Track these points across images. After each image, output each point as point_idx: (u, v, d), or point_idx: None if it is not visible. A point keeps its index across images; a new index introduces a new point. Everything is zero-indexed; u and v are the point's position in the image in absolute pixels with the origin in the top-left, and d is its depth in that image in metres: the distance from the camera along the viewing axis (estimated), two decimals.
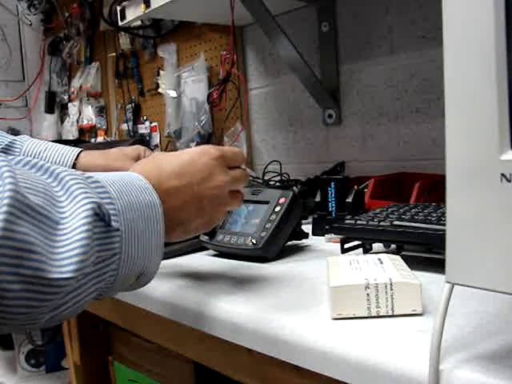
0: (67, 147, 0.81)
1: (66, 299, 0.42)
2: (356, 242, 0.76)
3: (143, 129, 1.99)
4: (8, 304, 0.38)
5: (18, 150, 0.79)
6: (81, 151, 0.81)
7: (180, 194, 0.56)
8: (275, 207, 0.81)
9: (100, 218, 0.45)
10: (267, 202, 0.83)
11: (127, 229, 0.48)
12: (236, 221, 0.85)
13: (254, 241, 0.79)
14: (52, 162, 0.78)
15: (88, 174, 0.48)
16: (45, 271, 0.39)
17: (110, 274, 0.47)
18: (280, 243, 0.81)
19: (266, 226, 0.80)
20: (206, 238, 0.84)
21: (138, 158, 0.81)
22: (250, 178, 1.36)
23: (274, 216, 0.80)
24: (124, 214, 0.48)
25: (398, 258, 0.60)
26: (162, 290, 0.71)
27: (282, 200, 0.82)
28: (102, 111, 2.25)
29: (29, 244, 0.39)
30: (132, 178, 0.52)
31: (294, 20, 1.40)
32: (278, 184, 1.29)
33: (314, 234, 0.94)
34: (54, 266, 0.40)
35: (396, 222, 0.69)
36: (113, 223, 0.46)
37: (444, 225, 0.37)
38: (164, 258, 0.54)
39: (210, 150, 0.60)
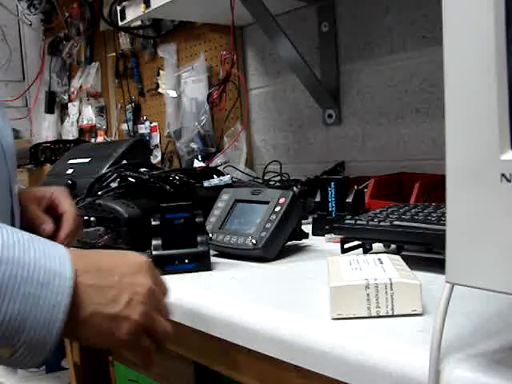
0: None
1: None
2: (356, 242, 0.76)
3: (143, 129, 1.99)
4: None
5: None
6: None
7: (98, 277, 0.48)
8: (275, 207, 0.81)
9: None
10: (267, 202, 0.83)
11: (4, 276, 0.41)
12: (235, 221, 0.85)
13: (254, 241, 0.78)
14: None
15: None
16: None
17: None
18: (280, 243, 0.80)
19: (266, 225, 0.80)
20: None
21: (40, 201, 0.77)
22: (250, 178, 1.36)
23: (274, 216, 0.80)
24: (5, 265, 0.42)
25: (398, 257, 0.60)
26: None
27: (281, 200, 0.82)
28: (102, 111, 2.25)
29: None
30: (47, 245, 0.47)
31: (294, 20, 1.40)
32: (277, 184, 1.29)
33: (313, 234, 0.94)
34: None
35: (396, 222, 0.69)
36: None
37: (444, 225, 0.37)
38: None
39: (141, 255, 0.54)
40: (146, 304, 0.50)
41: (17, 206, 0.66)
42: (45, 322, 0.43)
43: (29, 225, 0.72)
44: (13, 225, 0.63)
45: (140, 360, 0.52)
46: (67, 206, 0.78)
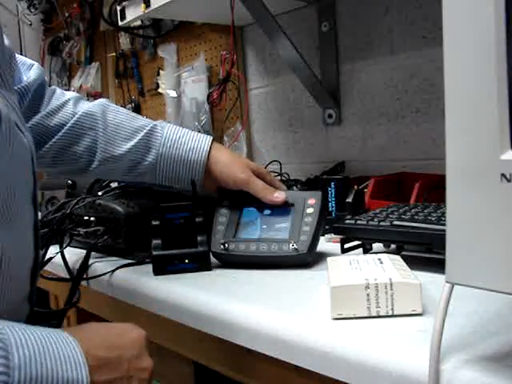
0: (201, 135, 0.86)
1: None
2: (356, 242, 0.76)
3: None
4: None
5: (159, 135, 0.85)
6: (213, 140, 0.86)
7: (110, 369, 0.48)
8: (306, 209, 0.77)
9: None
10: (291, 205, 0.79)
11: None
12: (252, 227, 0.79)
13: (295, 246, 0.74)
14: (189, 149, 0.84)
15: (1, 325, 0.42)
16: None
17: None
18: (317, 245, 0.77)
19: (304, 229, 0.75)
20: (222, 247, 0.77)
21: (258, 175, 0.83)
22: None
23: (309, 218, 0.76)
24: (24, 369, 0.40)
25: (398, 257, 0.60)
26: (161, 290, 0.71)
27: (311, 201, 0.78)
28: None
29: None
30: (59, 342, 0.45)
31: (294, 20, 1.40)
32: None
33: None
34: None
35: (396, 222, 0.69)
36: None
37: (444, 225, 0.37)
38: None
39: (138, 328, 0.55)
40: None
41: (38, 217, 0.63)
42: None
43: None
44: (36, 239, 0.60)
45: None
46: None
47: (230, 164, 0.84)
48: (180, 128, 0.87)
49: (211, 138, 0.87)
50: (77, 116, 0.85)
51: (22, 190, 0.56)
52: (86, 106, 0.87)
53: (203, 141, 0.85)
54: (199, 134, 0.87)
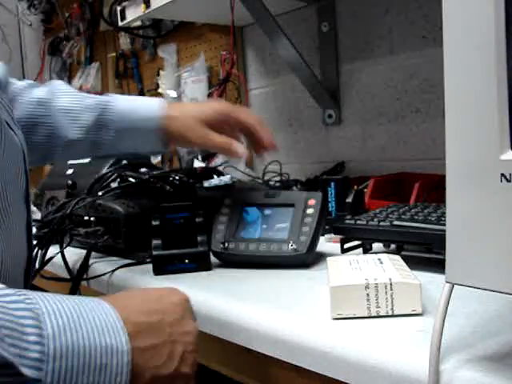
0: (153, 101, 0.86)
1: None
2: (356, 242, 0.76)
3: None
4: None
5: (111, 111, 0.84)
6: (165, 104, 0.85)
7: (151, 334, 0.45)
8: (306, 209, 0.77)
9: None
10: (292, 205, 0.78)
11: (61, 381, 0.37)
12: (251, 227, 0.79)
13: (294, 246, 0.74)
14: (141, 119, 0.84)
15: (32, 296, 0.40)
16: None
17: None
18: (316, 246, 0.77)
19: (303, 229, 0.75)
20: (222, 247, 0.77)
21: (221, 122, 0.82)
22: (250, 179, 1.36)
23: (309, 219, 0.76)
24: (59, 360, 0.37)
25: (398, 257, 0.60)
26: None
27: (311, 202, 0.77)
28: None
29: None
30: (95, 309, 0.43)
31: (294, 20, 1.40)
32: (278, 184, 1.29)
33: None
34: None
35: (396, 222, 0.69)
36: (27, 372, 0.35)
37: (444, 225, 0.37)
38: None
39: (179, 291, 0.53)
40: (195, 351, 0.49)
41: (31, 217, 0.62)
42: None
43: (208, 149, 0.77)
44: (29, 239, 0.59)
45: None
46: (245, 116, 0.82)
47: (183, 121, 0.83)
48: (132, 98, 0.88)
49: (163, 100, 0.87)
50: (30, 107, 0.84)
51: (13, 190, 0.55)
52: (37, 93, 0.86)
53: (154, 106, 0.85)
54: (152, 99, 0.88)
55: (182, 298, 0.51)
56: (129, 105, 0.86)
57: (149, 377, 0.44)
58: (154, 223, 0.79)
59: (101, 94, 0.85)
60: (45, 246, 0.86)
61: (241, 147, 0.79)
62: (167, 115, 0.84)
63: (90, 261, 0.86)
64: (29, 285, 0.60)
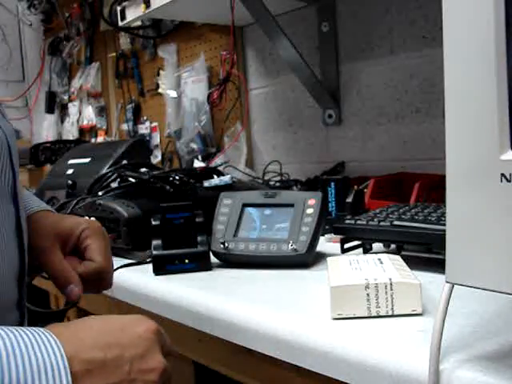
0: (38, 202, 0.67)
1: None
2: (356, 242, 0.76)
3: (143, 129, 1.99)
4: None
5: None
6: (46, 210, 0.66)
7: (105, 373, 0.39)
8: (306, 209, 0.77)
9: None
10: (291, 205, 0.78)
11: None
12: (252, 227, 0.79)
13: (294, 246, 0.73)
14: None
15: None
16: None
17: None
18: (316, 246, 0.77)
19: (303, 229, 0.75)
20: (221, 247, 0.77)
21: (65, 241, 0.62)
22: (250, 179, 1.36)
23: (309, 219, 0.76)
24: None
25: (398, 257, 0.60)
26: (161, 290, 0.71)
27: (311, 202, 0.77)
28: (102, 111, 2.25)
29: None
30: (33, 345, 0.36)
31: (294, 20, 1.40)
32: (278, 184, 1.29)
33: None
34: None
35: (396, 222, 0.69)
36: None
37: (444, 225, 0.37)
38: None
39: (148, 320, 0.45)
40: None
41: (24, 219, 0.55)
42: None
43: (49, 274, 0.60)
44: (21, 244, 0.53)
45: None
46: (100, 257, 0.62)
47: (39, 232, 0.61)
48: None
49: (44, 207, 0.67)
50: None
51: None
52: None
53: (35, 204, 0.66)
54: (37, 201, 0.67)
55: (150, 329, 0.44)
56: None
57: None
58: (154, 223, 0.79)
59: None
60: None
61: (75, 289, 0.59)
62: (37, 220, 0.62)
63: None
64: (23, 291, 0.55)
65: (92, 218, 0.75)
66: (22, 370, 0.34)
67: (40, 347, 0.36)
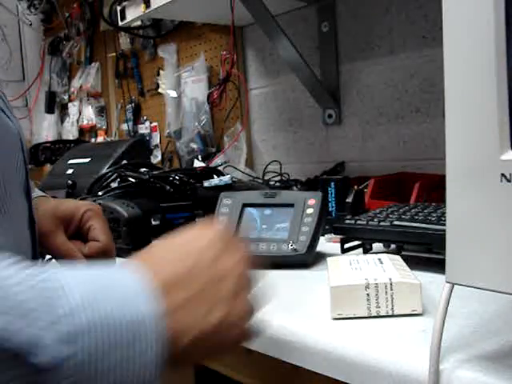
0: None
1: None
2: (356, 242, 0.76)
3: (143, 129, 1.99)
4: None
5: None
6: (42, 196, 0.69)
7: (185, 284, 0.37)
8: (306, 209, 0.77)
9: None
10: (291, 205, 0.78)
11: (91, 358, 0.31)
12: (252, 226, 0.79)
13: (294, 246, 0.74)
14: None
15: (50, 272, 0.33)
16: None
17: None
18: (316, 246, 0.77)
19: (303, 229, 0.75)
20: None
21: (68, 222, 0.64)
22: (250, 179, 1.36)
23: (309, 219, 0.76)
24: (94, 333, 0.31)
25: (398, 258, 0.60)
26: None
27: (311, 202, 0.77)
28: (102, 111, 2.25)
29: None
30: (116, 275, 0.35)
31: (294, 20, 1.40)
32: (278, 184, 1.29)
33: None
34: None
35: (396, 222, 0.69)
36: (53, 352, 0.29)
37: (444, 225, 0.37)
38: None
39: (209, 226, 0.43)
40: (245, 289, 0.41)
41: (35, 211, 0.56)
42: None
43: (55, 257, 0.61)
44: (33, 234, 0.54)
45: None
46: (104, 237, 0.63)
47: (40, 218, 0.62)
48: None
49: (42, 194, 0.71)
50: None
51: (12, 180, 0.50)
52: None
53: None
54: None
55: (216, 233, 0.41)
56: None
57: (190, 339, 0.36)
58: (154, 223, 0.79)
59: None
60: None
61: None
62: (38, 207, 0.62)
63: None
64: None
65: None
66: (115, 297, 0.33)
67: (124, 275, 0.35)
